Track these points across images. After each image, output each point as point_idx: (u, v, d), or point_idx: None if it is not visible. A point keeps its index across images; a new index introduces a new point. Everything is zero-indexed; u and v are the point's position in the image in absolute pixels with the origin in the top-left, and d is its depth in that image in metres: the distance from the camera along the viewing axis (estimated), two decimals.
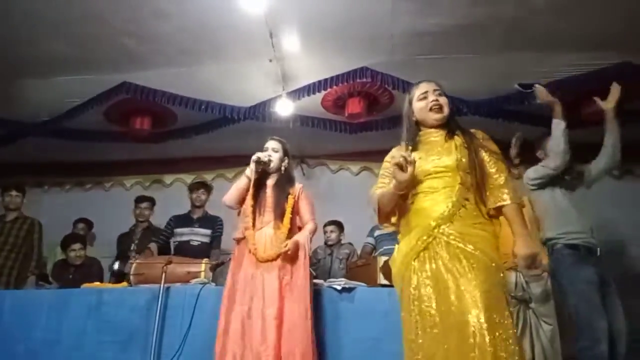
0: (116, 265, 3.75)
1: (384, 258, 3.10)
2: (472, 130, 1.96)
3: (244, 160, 2.81)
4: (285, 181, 2.74)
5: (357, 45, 3.48)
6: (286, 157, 2.80)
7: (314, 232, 2.78)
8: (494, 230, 1.81)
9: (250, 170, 2.65)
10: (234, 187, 2.71)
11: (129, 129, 4.39)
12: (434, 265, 1.71)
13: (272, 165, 2.72)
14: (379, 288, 2.94)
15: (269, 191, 2.70)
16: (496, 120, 4.04)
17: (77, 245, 4.13)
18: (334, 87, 3.83)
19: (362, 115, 4.13)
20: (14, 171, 5.02)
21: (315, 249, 4.38)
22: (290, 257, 2.59)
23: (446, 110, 1.93)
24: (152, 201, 4.51)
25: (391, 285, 2.93)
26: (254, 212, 2.63)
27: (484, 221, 1.79)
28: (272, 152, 2.76)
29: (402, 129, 2.04)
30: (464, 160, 1.81)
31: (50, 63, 3.65)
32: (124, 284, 3.18)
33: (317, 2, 3.09)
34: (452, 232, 1.72)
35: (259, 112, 4.08)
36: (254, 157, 2.64)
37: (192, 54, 3.56)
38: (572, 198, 2.79)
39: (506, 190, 1.78)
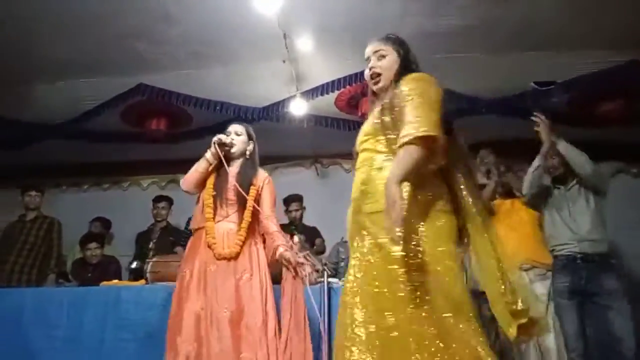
0: (134, 264, 3.81)
1: None
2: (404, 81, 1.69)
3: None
4: (249, 169, 2.48)
5: (366, 47, 3.49)
6: (251, 142, 2.54)
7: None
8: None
9: (210, 153, 2.42)
10: (193, 169, 2.46)
11: (145, 130, 4.46)
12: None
13: (234, 149, 2.47)
14: None
15: (231, 180, 2.42)
16: (512, 119, 4.01)
17: (93, 245, 4.20)
18: (347, 86, 3.84)
19: None
20: (33, 172, 5.12)
21: (336, 246, 4.37)
22: (250, 255, 2.37)
23: (383, 80, 1.77)
24: (169, 201, 4.58)
25: None
26: (214, 202, 2.38)
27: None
28: (234, 135, 2.50)
29: None
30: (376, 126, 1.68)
31: (63, 67, 3.72)
32: (142, 281, 3.23)
33: (329, 3, 3.10)
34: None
35: (272, 112, 4.11)
36: (214, 139, 2.42)
37: (205, 56, 3.60)
38: (565, 212, 2.88)
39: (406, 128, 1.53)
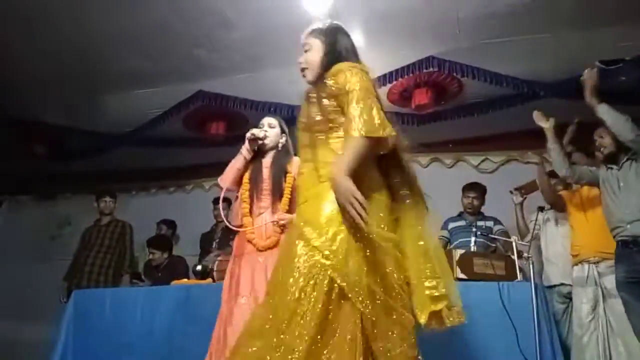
0: (198, 267, 3.98)
1: (460, 251, 3.03)
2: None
3: None
4: (283, 159, 2.47)
5: (421, 35, 3.42)
6: (284, 134, 2.54)
7: None
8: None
9: (245, 149, 2.43)
10: (229, 167, 2.47)
11: (205, 134, 4.64)
12: None
13: (268, 141, 2.47)
14: (456, 282, 2.87)
15: (266, 172, 2.43)
16: (576, 102, 3.78)
17: (153, 250, 4.29)
18: (400, 79, 3.79)
19: (429, 106, 4.05)
20: (104, 178, 5.44)
21: None
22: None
23: (310, 73, 1.76)
24: (228, 202, 4.72)
25: (469, 279, 2.88)
26: (250, 197, 2.39)
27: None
28: (267, 127, 2.51)
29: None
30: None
31: (130, 78, 3.94)
32: (209, 280, 3.37)
33: None
34: None
35: None
36: (248, 134, 2.43)
37: (258, 59, 3.68)
38: (615, 192, 2.69)
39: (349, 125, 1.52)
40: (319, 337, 1.40)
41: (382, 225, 1.57)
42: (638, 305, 2.47)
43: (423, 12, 3.18)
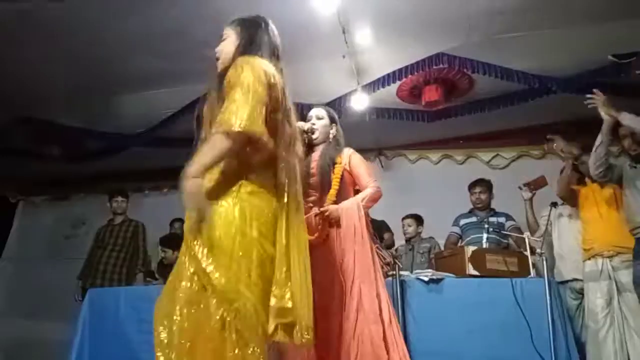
0: None
1: (471, 248, 3.02)
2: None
3: None
4: (331, 150, 2.36)
5: (431, 31, 3.40)
6: (334, 124, 2.43)
7: (373, 196, 2.28)
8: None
9: None
10: None
11: None
12: None
13: (316, 134, 2.38)
14: (468, 279, 2.88)
15: (314, 165, 2.32)
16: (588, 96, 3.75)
17: (165, 249, 4.33)
18: (409, 76, 3.78)
19: (440, 103, 4.03)
20: (118, 179, 5.50)
21: (397, 247, 4.36)
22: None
23: (221, 63, 1.73)
24: None
25: (481, 276, 2.87)
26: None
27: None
28: (315, 119, 2.41)
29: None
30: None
31: (142, 79, 3.96)
32: None
33: None
34: None
35: (334, 107, 4.13)
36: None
37: None
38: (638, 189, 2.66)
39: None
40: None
41: (260, 230, 1.53)
42: None
43: (433, 8, 3.15)
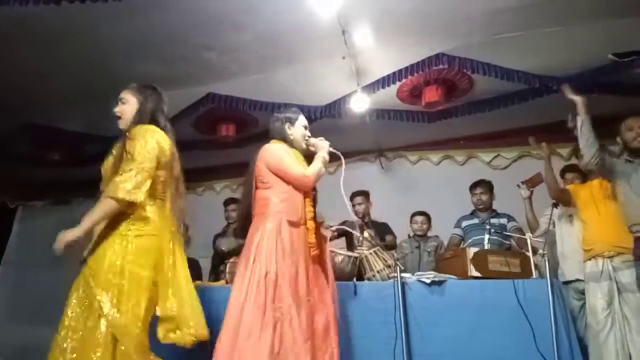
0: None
1: (473, 249, 3.01)
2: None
3: None
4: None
5: (432, 32, 3.39)
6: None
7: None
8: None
9: (325, 161, 2.57)
10: (317, 169, 2.54)
11: (216, 136, 4.66)
12: None
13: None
14: (471, 280, 2.86)
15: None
16: (589, 95, 3.73)
17: None
18: (409, 76, 3.77)
19: (440, 103, 4.02)
20: None
21: (400, 243, 4.34)
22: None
23: (124, 123, 2.19)
24: (238, 202, 4.74)
25: (483, 277, 2.85)
26: (314, 201, 2.54)
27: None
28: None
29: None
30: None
31: (142, 82, 3.96)
32: (222, 282, 3.39)
33: None
34: None
35: (334, 109, 4.13)
36: (328, 147, 2.61)
37: (268, 60, 3.68)
38: (632, 186, 2.66)
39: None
40: None
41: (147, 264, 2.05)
42: None
43: (432, 9, 3.14)
